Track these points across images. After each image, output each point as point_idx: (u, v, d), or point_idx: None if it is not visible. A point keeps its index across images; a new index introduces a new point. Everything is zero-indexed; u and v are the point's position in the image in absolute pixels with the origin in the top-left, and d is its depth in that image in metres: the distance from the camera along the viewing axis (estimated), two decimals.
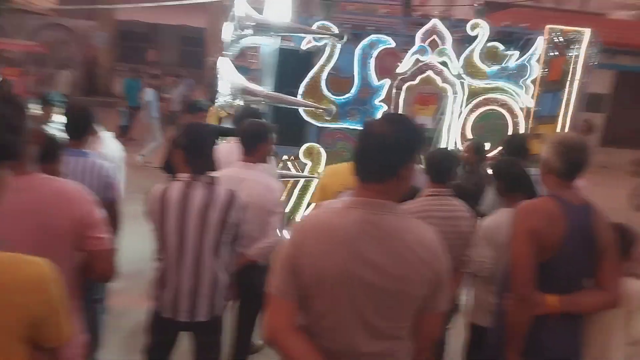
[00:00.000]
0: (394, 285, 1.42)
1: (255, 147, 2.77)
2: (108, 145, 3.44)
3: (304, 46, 4.55)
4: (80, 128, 2.67)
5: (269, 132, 2.87)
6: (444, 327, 2.74)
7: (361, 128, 1.52)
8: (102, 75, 16.98)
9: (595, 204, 1.98)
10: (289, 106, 4.44)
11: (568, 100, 4.83)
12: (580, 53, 4.74)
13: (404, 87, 4.68)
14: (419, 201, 2.58)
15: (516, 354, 1.95)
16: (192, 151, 2.21)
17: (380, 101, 4.68)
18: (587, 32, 4.71)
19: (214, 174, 2.70)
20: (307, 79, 4.48)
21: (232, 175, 2.67)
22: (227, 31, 3.98)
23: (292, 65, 4.52)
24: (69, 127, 2.64)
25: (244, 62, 6.63)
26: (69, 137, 2.59)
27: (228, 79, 4.08)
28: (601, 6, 17.43)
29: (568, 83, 4.82)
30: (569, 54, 4.74)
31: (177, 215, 2.20)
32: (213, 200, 2.22)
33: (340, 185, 2.92)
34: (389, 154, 1.43)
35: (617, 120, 14.58)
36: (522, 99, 4.82)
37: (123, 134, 10.60)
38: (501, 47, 4.69)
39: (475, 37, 4.66)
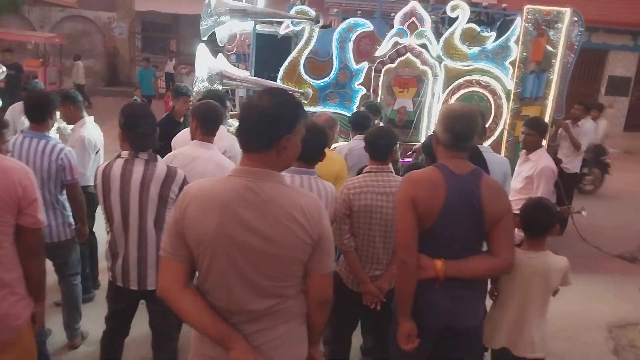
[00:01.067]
0: (271, 247, 1.53)
1: (211, 128, 2.91)
2: (88, 129, 3.67)
3: (282, 31, 4.66)
4: (39, 113, 2.88)
5: (224, 114, 3.00)
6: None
7: (246, 101, 1.62)
8: (122, 66, 17.43)
9: (485, 174, 2.03)
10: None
11: (549, 81, 4.79)
12: (562, 33, 4.68)
13: (383, 70, 4.73)
14: (358, 177, 2.68)
15: (405, 317, 2.03)
16: (128, 129, 2.37)
17: (359, 84, 4.76)
18: (567, 12, 4.64)
19: (174, 152, 2.87)
20: (285, 63, 4.59)
21: (185, 154, 2.82)
22: (203, 17, 4.12)
23: (271, 50, 4.64)
24: (28, 112, 2.87)
25: (242, 49, 6.78)
26: (29, 121, 2.81)
27: (206, 65, 4.23)
28: None
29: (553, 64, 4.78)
30: (551, 35, 4.69)
31: (118, 190, 2.37)
32: (152, 176, 2.37)
33: None
34: (267, 125, 1.53)
35: None
36: (504, 80, 4.81)
37: None
38: (478, 28, 4.67)
39: (456, 18, 4.67)
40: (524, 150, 3.85)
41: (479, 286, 2.10)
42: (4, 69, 5.53)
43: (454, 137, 1.99)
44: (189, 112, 2.99)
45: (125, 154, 2.41)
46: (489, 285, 2.65)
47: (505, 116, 4.87)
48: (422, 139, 4.85)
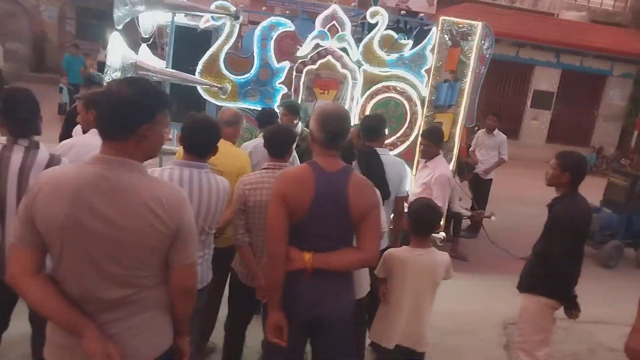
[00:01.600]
0: (123, 236, 1.52)
1: None
2: None
3: (202, 25, 4.60)
4: None
5: None
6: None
7: (104, 88, 1.60)
8: (50, 51, 16.51)
9: (354, 172, 2.13)
10: (184, 83, 4.49)
11: (462, 90, 5.04)
12: (474, 45, 4.94)
13: (304, 71, 4.79)
14: (255, 173, 2.70)
15: (275, 308, 2.08)
16: (7, 115, 2.26)
17: (280, 83, 4.78)
18: (479, 25, 4.91)
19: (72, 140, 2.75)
20: (205, 57, 4.54)
21: (85, 142, 2.70)
22: (117, 5, 3.99)
23: (190, 43, 4.57)
24: None
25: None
26: None
27: (119, 54, 4.10)
28: (552, 6, 17.92)
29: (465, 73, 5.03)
30: (464, 46, 4.94)
31: None
32: (32, 164, 2.27)
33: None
34: (124, 112, 1.52)
35: (562, 117, 15.12)
36: (419, 87, 5.01)
37: (63, 112, 10.38)
38: (395, 35, 4.84)
39: (375, 24, 4.80)
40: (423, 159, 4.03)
41: (346, 279, 2.17)
42: None
43: (327, 135, 2.06)
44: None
45: (3, 139, 2.29)
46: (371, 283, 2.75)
47: (420, 122, 5.07)
48: None
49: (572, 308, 2.89)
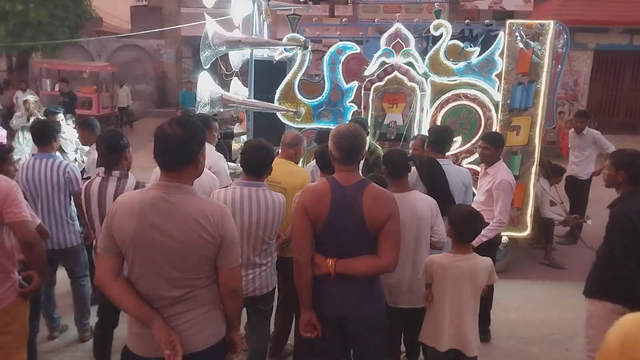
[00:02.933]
0: (179, 245, 1.89)
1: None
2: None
3: (277, 57, 5.09)
4: (44, 138, 3.47)
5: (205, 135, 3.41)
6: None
7: (156, 129, 1.97)
8: (170, 88, 18.65)
9: (371, 184, 2.30)
10: (263, 110, 5.01)
11: (538, 91, 4.91)
12: (547, 45, 4.80)
13: (372, 88, 5.04)
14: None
15: (305, 308, 2.34)
16: (101, 154, 2.85)
17: (350, 102, 5.09)
18: (550, 24, 4.76)
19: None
20: (281, 85, 5.02)
21: None
22: (203, 49, 4.63)
23: (268, 74, 5.08)
24: (34, 138, 3.47)
25: None
26: (36, 145, 3.41)
27: (207, 90, 4.72)
28: None
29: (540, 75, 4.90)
30: (536, 47, 4.82)
31: (97, 204, 2.83)
32: (123, 190, 2.80)
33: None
34: (181, 151, 1.92)
35: None
36: (491, 92, 4.98)
37: None
38: (461, 44, 4.88)
39: (440, 36, 4.91)
40: (483, 164, 4.02)
41: (370, 284, 2.36)
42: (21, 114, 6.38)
43: (341, 152, 2.29)
44: None
45: (101, 172, 2.89)
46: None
47: (496, 127, 5.01)
48: None
49: None
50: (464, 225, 2.68)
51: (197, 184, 3.02)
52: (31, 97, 6.57)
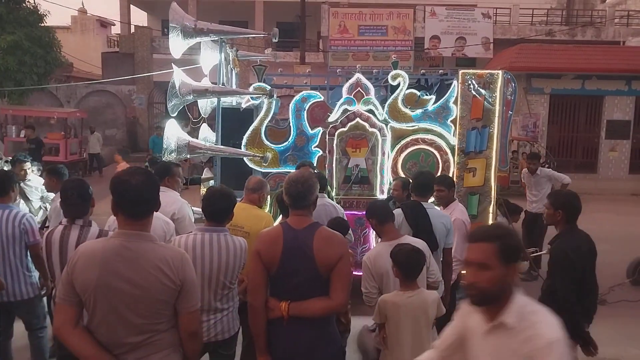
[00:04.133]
0: (139, 292, 1.96)
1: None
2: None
3: (243, 105, 5.28)
4: (1, 187, 3.47)
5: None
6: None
7: (115, 179, 2.03)
8: (141, 133, 18.66)
9: (322, 227, 2.43)
10: (230, 156, 5.14)
11: (491, 135, 5.21)
12: (497, 92, 5.15)
13: (336, 134, 5.26)
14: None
15: (261, 352, 2.40)
16: (65, 202, 2.89)
17: (315, 147, 5.28)
18: (499, 73, 5.13)
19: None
20: (248, 132, 5.18)
21: None
22: (169, 98, 4.78)
23: (235, 121, 5.25)
24: None
25: None
26: None
27: (174, 137, 4.84)
28: (617, 35, 17.26)
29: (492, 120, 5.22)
30: (487, 95, 5.16)
31: (58, 251, 2.83)
32: (85, 239, 2.81)
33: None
34: (144, 200, 2.02)
35: None
36: (447, 137, 5.26)
37: None
38: (417, 92, 5.19)
39: (398, 85, 5.21)
40: (440, 206, 4.22)
41: (321, 324, 2.41)
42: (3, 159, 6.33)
43: (290, 198, 2.43)
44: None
45: (64, 221, 2.92)
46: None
47: (453, 169, 5.27)
48: (377, 193, 5.28)
49: (587, 345, 2.90)
50: (408, 262, 2.81)
51: (151, 228, 3.11)
52: None
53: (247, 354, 3.49)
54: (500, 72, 5.13)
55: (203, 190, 6.50)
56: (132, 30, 20.30)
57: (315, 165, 4.77)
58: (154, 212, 2.12)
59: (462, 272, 4.55)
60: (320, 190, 3.92)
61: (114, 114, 18.78)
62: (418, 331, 2.78)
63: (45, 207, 5.05)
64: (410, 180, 4.65)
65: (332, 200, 4.73)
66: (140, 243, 2.01)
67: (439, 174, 5.30)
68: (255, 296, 2.39)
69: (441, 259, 3.75)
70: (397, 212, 3.73)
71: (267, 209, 4.97)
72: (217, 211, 2.86)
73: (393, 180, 4.97)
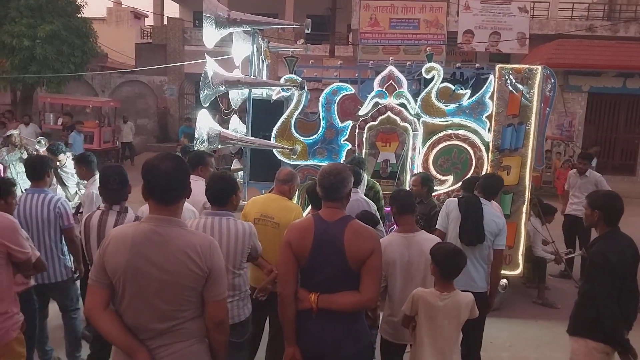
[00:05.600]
0: (167, 277, 1.96)
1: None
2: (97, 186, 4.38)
3: (274, 96, 5.26)
4: (36, 173, 3.56)
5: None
6: None
7: (146, 164, 2.02)
8: (172, 124, 18.94)
9: (354, 221, 2.37)
10: (259, 147, 5.13)
11: (527, 132, 5.05)
12: (535, 88, 4.97)
13: (366, 127, 5.19)
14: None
15: (290, 342, 2.36)
16: (102, 186, 2.94)
17: (345, 140, 5.23)
18: (538, 69, 4.95)
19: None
20: (278, 124, 5.16)
21: None
22: (202, 88, 4.80)
23: (265, 112, 5.24)
24: (28, 173, 3.56)
25: None
26: (30, 180, 3.51)
27: (206, 127, 4.86)
28: None
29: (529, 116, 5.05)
30: (525, 91, 4.99)
31: (96, 236, 2.90)
32: (122, 223, 2.89)
33: (257, 212, 3.52)
34: (174, 185, 2.00)
35: None
36: (482, 133, 5.12)
37: None
38: (452, 87, 5.06)
39: (432, 78, 5.09)
40: None
41: (350, 319, 2.37)
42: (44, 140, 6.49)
43: (323, 190, 2.39)
44: None
45: (102, 206, 2.97)
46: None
47: (486, 167, 5.13)
48: (407, 189, 5.18)
49: (625, 353, 2.77)
50: (448, 263, 2.74)
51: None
52: (15, 132, 6.73)
53: (273, 344, 3.49)
54: (539, 67, 4.95)
55: None
56: (165, 22, 20.56)
57: (364, 162, 4.68)
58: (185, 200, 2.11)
59: None
60: (354, 185, 3.94)
61: (145, 104, 19.08)
62: (445, 333, 2.71)
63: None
64: (432, 177, 4.67)
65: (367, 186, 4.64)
66: (170, 228, 2.00)
67: (471, 171, 5.20)
68: (285, 286, 2.37)
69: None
70: (453, 201, 3.89)
71: (294, 201, 4.95)
72: (216, 192, 2.86)
73: (412, 176, 4.90)
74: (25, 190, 3.63)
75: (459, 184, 5.16)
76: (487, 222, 3.62)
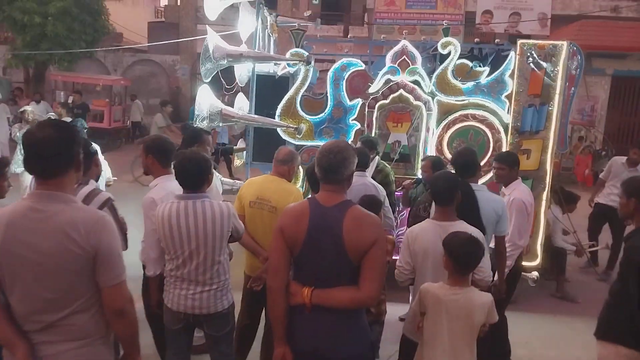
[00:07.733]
0: (45, 260, 1.68)
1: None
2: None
3: (279, 72, 4.97)
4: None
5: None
6: None
7: (27, 135, 1.74)
8: (184, 103, 18.74)
9: (355, 206, 2.07)
10: (263, 126, 4.86)
11: (550, 114, 4.69)
12: (560, 66, 4.60)
13: (376, 106, 4.88)
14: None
15: (279, 341, 2.09)
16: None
17: (353, 120, 4.93)
18: (564, 45, 4.57)
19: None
20: (283, 101, 4.88)
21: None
22: (203, 62, 4.52)
23: (269, 89, 4.96)
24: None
25: None
26: None
27: (206, 104, 4.60)
28: None
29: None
30: (549, 68, 4.62)
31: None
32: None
33: (253, 195, 3.27)
34: (53, 154, 1.71)
35: None
36: (501, 114, 4.78)
37: None
38: (470, 63, 4.71)
39: (448, 54, 4.75)
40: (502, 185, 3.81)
41: (349, 317, 2.09)
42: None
43: (321, 170, 2.09)
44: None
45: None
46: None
47: (505, 150, 4.79)
48: (418, 173, 4.88)
49: None
50: (462, 253, 2.45)
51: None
52: (28, 108, 6.57)
53: (268, 337, 3.26)
54: (565, 42, 4.56)
55: (237, 162, 6.29)
56: (179, 1, 20.25)
57: (377, 143, 4.37)
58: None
59: (520, 258, 4.10)
60: (360, 167, 3.60)
61: (157, 84, 18.89)
62: (457, 333, 2.43)
63: None
64: (444, 161, 4.27)
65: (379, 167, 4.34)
66: (51, 205, 1.72)
67: (489, 154, 4.87)
68: (274, 278, 2.09)
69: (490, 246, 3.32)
70: None
71: (298, 185, 4.70)
72: (190, 177, 2.60)
73: (422, 160, 4.53)
74: None
75: None
76: (485, 214, 3.12)
